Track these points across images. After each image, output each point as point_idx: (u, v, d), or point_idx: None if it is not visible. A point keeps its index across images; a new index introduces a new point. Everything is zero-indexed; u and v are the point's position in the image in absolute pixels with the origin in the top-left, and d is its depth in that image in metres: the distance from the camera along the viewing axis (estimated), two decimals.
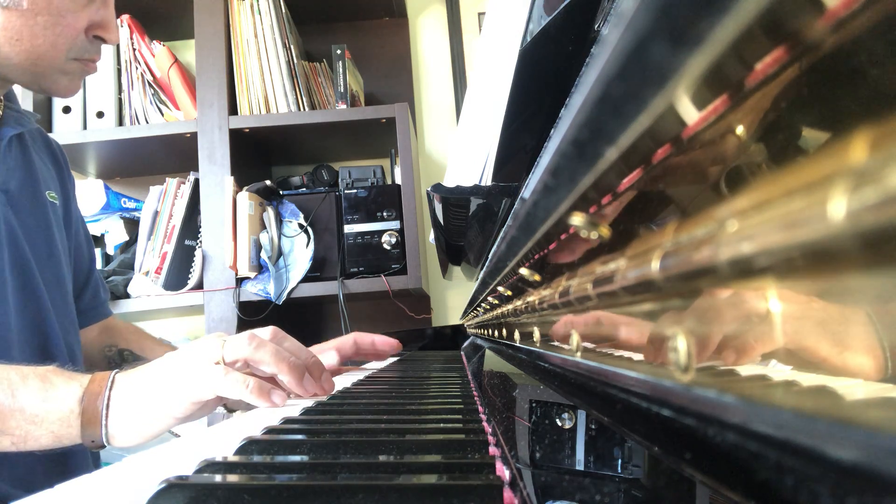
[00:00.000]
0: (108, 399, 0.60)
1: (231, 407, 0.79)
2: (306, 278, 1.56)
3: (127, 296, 1.60)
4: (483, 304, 0.78)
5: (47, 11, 0.73)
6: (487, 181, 0.62)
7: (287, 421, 0.45)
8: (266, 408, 0.59)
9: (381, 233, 1.56)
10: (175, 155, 1.75)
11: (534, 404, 0.34)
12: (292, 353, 0.63)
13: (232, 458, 0.33)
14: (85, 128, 1.67)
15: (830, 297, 0.11)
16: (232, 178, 1.54)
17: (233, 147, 1.60)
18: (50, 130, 1.65)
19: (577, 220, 0.23)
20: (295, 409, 0.56)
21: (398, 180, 1.60)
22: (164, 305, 1.57)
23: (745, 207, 0.13)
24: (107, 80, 1.69)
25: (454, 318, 1.89)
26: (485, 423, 0.41)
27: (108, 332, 1.04)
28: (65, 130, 1.65)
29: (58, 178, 0.96)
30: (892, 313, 0.10)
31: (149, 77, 1.71)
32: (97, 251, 1.72)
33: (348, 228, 1.57)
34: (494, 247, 0.48)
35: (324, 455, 0.35)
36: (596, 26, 0.49)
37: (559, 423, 0.29)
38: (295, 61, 1.64)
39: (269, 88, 1.63)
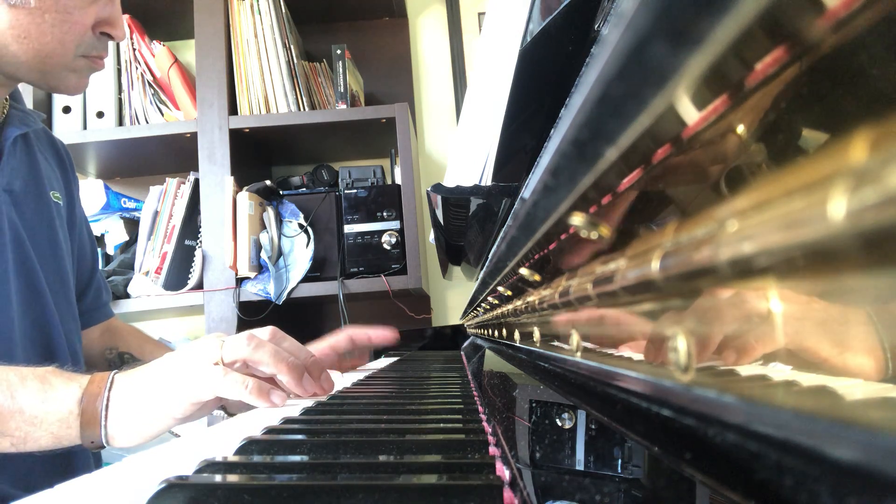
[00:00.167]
0: (108, 400, 0.60)
1: (231, 410, 0.79)
2: (306, 278, 1.56)
3: (127, 296, 1.60)
4: (483, 304, 0.78)
5: (55, 9, 0.73)
6: (487, 181, 0.62)
7: (287, 421, 0.45)
8: (265, 408, 0.59)
9: (381, 233, 1.56)
10: (175, 155, 1.75)
11: (534, 404, 0.34)
12: (291, 353, 0.63)
13: (232, 458, 0.33)
14: (85, 128, 1.67)
15: (830, 297, 0.11)
16: (232, 178, 1.54)
17: (233, 147, 1.60)
18: (50, 130, 1.64)
19: (577, 220, 0.23)
20: (295, 409, 0.56)
21: (398, 180, 1.60)
22: (164, 305, 1.57)
23: (744, 207, 0.13)
24: (107, 80, 1.69)
25: (454, 318, 1.89)
26: (485, 423, 0.41)
27: (110, 333, 1.04)
28: (65, 130, 1.64)
29: (62, 178, 0.96)
30: (892, 313, 0.10)
31: (149, 77, 1.71)
32: (97, 251, 1.72)
33: (348, 228, 1.57)
34: (494, 247, 0.48)
35: (324, 455, 0.35)
36: (596, 26, 0.49)
37: (559, 423, 0.29)
38: (295, 61, 1.64)
39: (269, 88, 1.63)
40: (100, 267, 1.09)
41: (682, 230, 0.16)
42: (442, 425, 0.43)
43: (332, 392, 0.66)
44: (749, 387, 0.14)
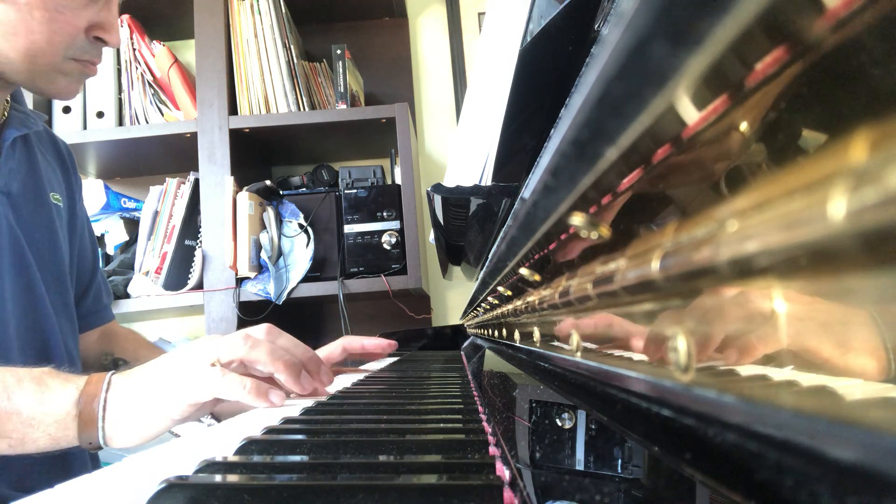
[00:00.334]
0: (105, 401, 0.60)
1: (220, 417, 0.79)
2: (306, 278, 1.56)
3: (127, 296, 1.60)
4: (483, 304, 0.78)
5: (44, 7, 0.72)
6: (487, 181, 0.62)
7: (287, 421, 0.45)
8: (265, 408, 0.59)
9: (381, 233, 1.56)
10: (175, 155, 1.76)
11: (534, 404, 0.34)
12: (288, 350, 0.63)
13: (232, 458, 0.33)
14: (85, 128, 1.67)
15: (831, 297, 0.11)
16: (232, 178, 1.54)
17: (233, 147, 1.60)
18: (52, 130, 1.64)
19: (577, 220, 0.23)
20: (295, 408, 0.56)
21: (398, 180, 1.60)
22: (164, 305, 1.58)
23: (744, 207, 0.13)
24: (107, 80, 1.69)
25: (454, 318, 1.89)
26: (485, 423, 0.41)
27: (107, 338, 1.04)
28: (65, 130, 1.64)
29: (63, 179, 0.95)
30: (893, 313, 0.10)
31: (149, 77, 1.71)
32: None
33: (348, 228, 1.57)
34: (494, 247, 0.48)
35: (324, 455, 0.35)
36: (596, 26, 0.49)
37: (559, 423, 0.29)
38: (295, 61, 1.64)
39: (269, 88, 1.63)
40: (101, 268, 1.08)
41: (682, 230, 0.16)
42: (442, 425, 0.43)
43: (332, 392, 0.66)
44: (749, 387, 0.14)
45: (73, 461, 0.82)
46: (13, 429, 0.58)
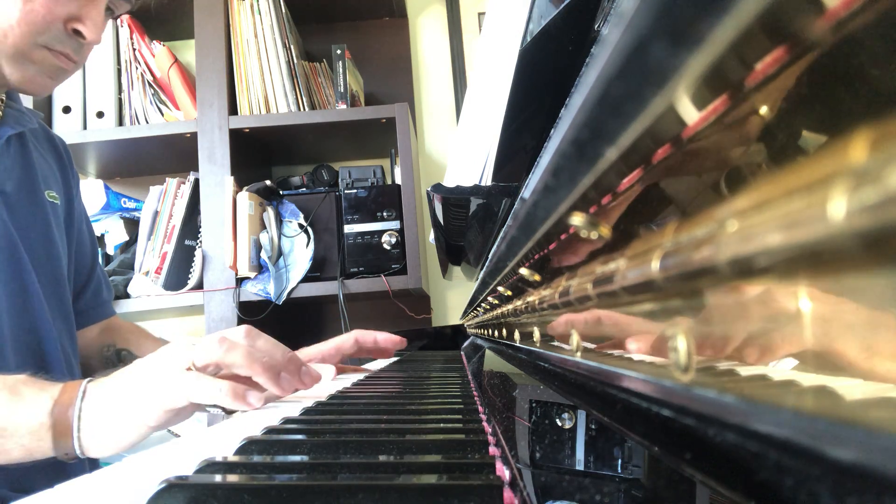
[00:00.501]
0: (80, 409, 0.58)
1: (229, 409, 0.78)
2: (306, 278, 1.56)
3: (127, 296, 1.60)
4: (483, 304, 0.78)
5: None
6: (487, 181, 0.62)
7: (287, 421, 0.45)
8: (243, 410, 0.58)
9: (381, 233, 1.56)
10: (175, 155, 1.76)
11: (534, 404, 0.34)
12: (265, 352, 0.61)
13: (232, 458, 0.33)
14: (85, 128, 1.67)
15: (831, 297, 0.11)
16: (232, 178, 1.54)
17: (233, 147, 1.60)
18: (49, 128, 1.64)
19: (577, 220, 0.23)
20: (294, 409, 0.56)
21: (398, 180, 1.60)
22: (164, 305, 1.57)
23: (745, 207, 0.13)
24: (107, 80, 1.69)
25: (454, 318, 1.89)
26: (485, 423, 0.41)
27: (109, 331, 1.03)
28: (65, 130, 1.64)
29: (60, 176, 0.95)
30: (893, 313, 0.10)
31: (149, 77, 1.71)
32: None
33: (348, 228, 1.57)
34: (494, 247, 0.48)
35: (324, 455, 0.35)
36: (596, 26, 0.49)
37: (559, 423, 0.29)
38: (295, 61, 1.64)
39: (269, 88, 1.63)
40: (101, 263, 1.07)
41: (682, 230, 0.16)
42: (442, 425, 0.43)
43: (332, 392, 0.66)
44: (749, 386, 0.14)
45: (69, 464, 0.81)
46: None
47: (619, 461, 0.24)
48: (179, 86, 1.69)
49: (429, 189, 0.68)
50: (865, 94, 0.10)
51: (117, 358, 0.99)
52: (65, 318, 0.88)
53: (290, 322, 1.77)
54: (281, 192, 1.62)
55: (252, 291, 1.55)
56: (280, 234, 1.57)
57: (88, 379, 0.62)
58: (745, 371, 0.14)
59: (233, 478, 0.28)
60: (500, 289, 0.55)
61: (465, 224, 0.75)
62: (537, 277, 0.37)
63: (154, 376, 0.59)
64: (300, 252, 1.57)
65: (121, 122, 1.70)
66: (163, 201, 1.65)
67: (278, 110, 1.63)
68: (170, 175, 1.69)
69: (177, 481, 0.26)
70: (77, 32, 0.76)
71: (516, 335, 0.50)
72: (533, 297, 0.37)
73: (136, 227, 1.71)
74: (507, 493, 0.25)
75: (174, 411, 0.58)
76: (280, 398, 0.65)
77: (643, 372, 0.19)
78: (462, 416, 0.46)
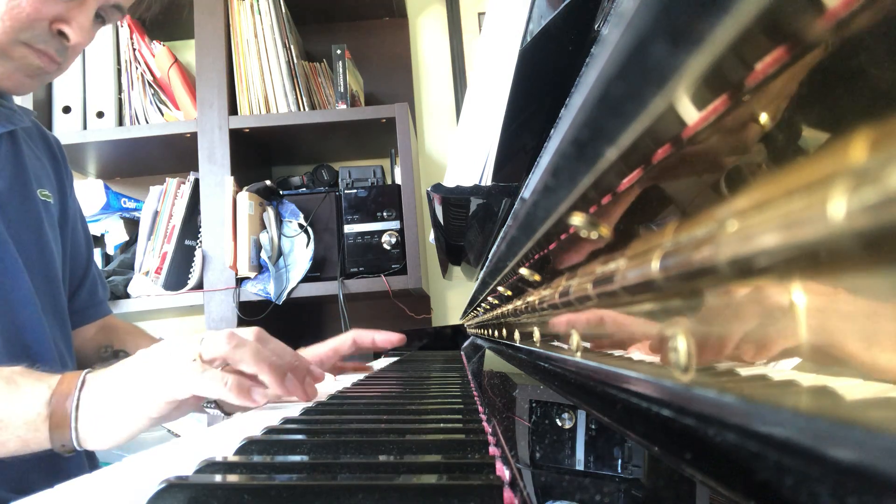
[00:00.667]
0: (78, 400, 0.57)
1: (227, 409, 0.77)
2: (306, 278, 1.56)
3: (127, 296, 1.60)
4: (483, 304, 0.78)
5: None
6: (487, 181, 0.62)
7: (287, 421, 0.45)
8: (246, 405, 0.57)
9: (381, 233, 1.56)
10: (175, 155, 1.76)
11: (534, 404, 0.34)
12: (273, 352, 0.61)
13: (232, 458, 0.33)
14: (85, 128, 1.67)
15: (831, 297, 0.11)
16: (232, 178, 1.54)
17: (233, 147, 1.60)
18: (49, 130, 1.64)
19: (577, 220, 0.23)
20: (294, 409, 0.56)
21: (398, 180, 1.60)
22: (164, 305, 1.57)
23: (745, 207, 0.13)
24: (107, 80, 1.69)
25: (454, 318, 1.89)
26: (485, 423, 0.41)
27: (106, 331, 1.02)
28: (65, 130, 1.65)
29: (54, 174, 0.94)
30: (893, 313, 0.10)
31: (149, 77, 1.71)
32: (97, 251, 1.72)
33: (348, 228, 1.57)
34: (494, 247, 0.48)
35: (324, 455, 0.35)
36: (596, 26, 0.49)
37: (559, 423, 0.29)
38: (295, 61, 1.64)
39: (269, 88, 1.63)
40: (96, 262, 1.06)
41: (682, 230, 0.16)
42: (442, 425, 0.43)
43: (332, 392, 0.66)
44: (749, 387, 0.14)
45: (69, 463, 0.80)
46: None
47: (619, 461, 0.24)
48: (179, 86, 1.69)
49: (429, 189, 0.68)
50: (865, 94, 0.10)
51: (115, 359, 0.98)
52: (59, 318, 0.87)
53: (290, 322, 1.77)
54: (281, 192, 1.62)
55: (252, 291, 1.55)
56: (280, 234, 1.58)
57: (88, 370, 0.60)
58: (745, 371, 0.14)
59: (233, 478, 0.28)
60: (500, 289, 0.55)
61: (465, 224, 0.75)
62: (537, 277, 0.37)
63: (158, 366, 0.57)
64: (300, 252, 1.57)
65: (121, 122, 1.70)
66: (163, 201, 1.65)
67: (278, 110, 1.63)
68: (170, 175, 1.69)
69: (177, 481, 0.26)
70: (62, 34, 0.75)
71: (516, 335, 0.50)
72: (533, 297, 0.37)
73: (136, 227, 1.71)
74: (507, 493, 0.25)
75: (176, 403, 0.57)
76: (281, 399, 0.65)
77: (643, 372, 0.19)
78: (462, 416, 0.46)
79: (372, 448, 0.35)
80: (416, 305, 1.76)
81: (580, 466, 0.26)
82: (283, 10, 1.65)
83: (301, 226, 1.58)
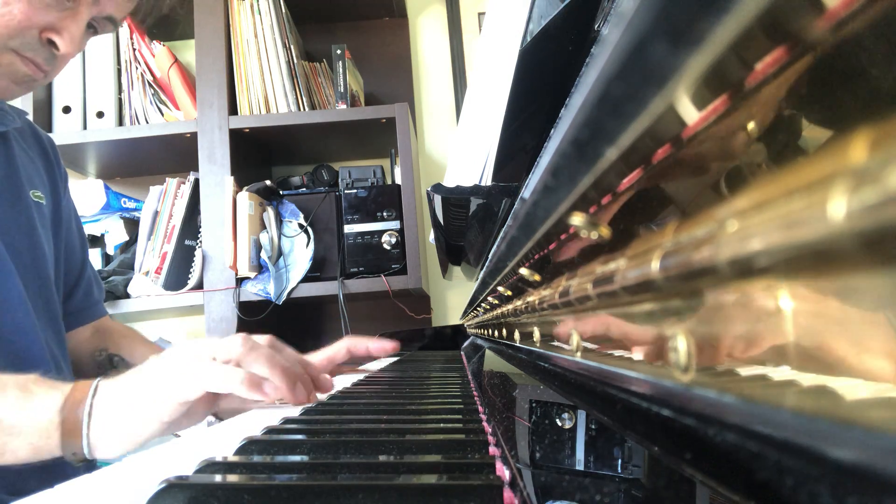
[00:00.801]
0: (91, 406, 0.57)
1: (222, 416, 0.77)
2: (306, 278, 1.56)
3: (127, 296, 1.60)
4: (483, 304, 0.78)
5: None
6: (487, 181, 0.62)
7: (287, 421, 0.45)
8: (257, 398, 0.57)
9: (381, 233, 1.56)
10: (175, 155, 1.76)
11: (534, 404, 0.34)
12: (286, 359, 0.61)
13: (232, 458, 0.33)
14: (85, 128, 1.67)
15: (832, 297, 0.11)
16: (232, 178, 1.54)
17: (233, 147, 1.60)
18: (50, 130, 1.64)
19: (577, 220, 0.23)
20: (294, 409, 0.56)
21: (398, 180, 1.60)
22: (163, 305, 1.57)
23: (745, 207, 0.13)
24: (107, 80, 1.69)
25: (454, 318, 1.89)
26: (485, 423, 0.41)
27: (101, 334, 1.01)
28: (65, 130, 1.65)
29: (47, 175, 0.93)
30: (893, 313, 0.10)
31: (149, 77, 1.71)
32: (97, 251, 1.72)
33: (348, 228, 1.57)
34: (494, 247, 0.48)
35: (324, 455, 0.35)
36: (596, 26, 0.49)
37: (559, 423, 0.29)
38: (295, 61, 1.64)
39: (269, 88, 1.63)
40: (91, 262, 1.05)
41: (682, 230, 0.16)
42: (442, 425, 0.43)
43: (333, 392, 0.66)
44: (749, 387, 0.14)
45: (68, 466, 0.80)
46: None
47: (619, 461, 0.24)
48: (179, 86, 1.69)
49: (429, 189, 0.68)
50: (865, 95, 0.10)
51: (110, 364, 0.96)
52: (52, 320, 0.86)
53: (290, 322, 1.77)
54: (281, 192, 1.62)
55: (252, 291, 1.55)
56: (280, 234, 1.58)
57: (101, 377, 0.60)
58: (745, 371, 0.14)
59: (233, 478, 0.28)
60: (500, 289, 0.55)
61: (465, 224, 0.75)
62: (537, 277, 0.37)
63: (171, 368, 0.57)
64: (300, 252, 1.57)
65: (121, 122, 1.70)
66: (163, 201, 1.65)
67: (278, 110, 1.63)
68: (170, 175, 1.69)
69: (177, 481, 0.26)
70: (51, 43, 0.75)
71: (516, 335, 0.50)
72: (533, 297, 0.37)
73: (136, 227, 1.71)
74: (507, 493, 0.25)
75: (188, 403, 0.57)
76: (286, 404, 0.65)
77: (643, 372, 0.19)
78: (462, 416, 0.46)
79: (372, 448, 0.35)
80: (416, 305, 1.76)
81: (580, 466, 0.26)
82: (283, 10, 1.65)
83: (301, 226, 1.58)
